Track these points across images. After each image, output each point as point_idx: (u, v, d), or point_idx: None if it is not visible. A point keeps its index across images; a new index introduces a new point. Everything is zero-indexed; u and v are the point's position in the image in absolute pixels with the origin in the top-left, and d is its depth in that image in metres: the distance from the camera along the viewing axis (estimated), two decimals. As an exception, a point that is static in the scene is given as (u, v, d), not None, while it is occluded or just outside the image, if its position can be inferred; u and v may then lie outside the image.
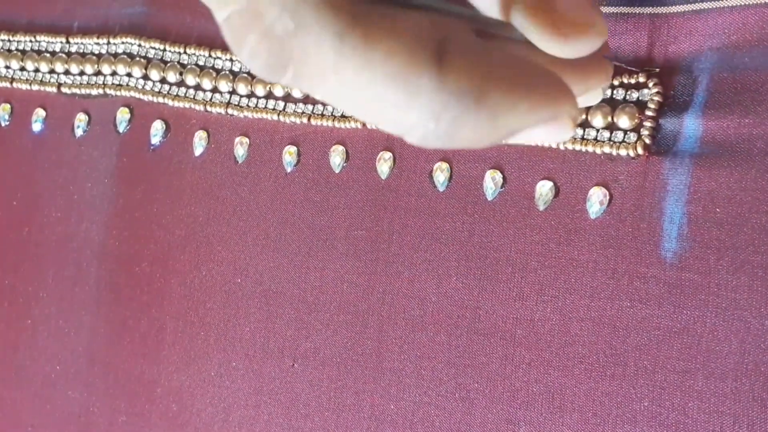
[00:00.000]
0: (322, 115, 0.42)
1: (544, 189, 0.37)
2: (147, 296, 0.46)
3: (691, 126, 0.34)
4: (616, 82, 0.35)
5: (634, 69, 0.35)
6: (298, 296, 0.42)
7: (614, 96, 0.36)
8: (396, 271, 0.40)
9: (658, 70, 0.35)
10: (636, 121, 0.35)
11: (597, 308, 0.35)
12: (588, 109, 0.36)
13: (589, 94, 0.32)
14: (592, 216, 0.36)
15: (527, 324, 0.37)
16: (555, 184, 0.37)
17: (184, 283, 0.45)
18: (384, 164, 0.40)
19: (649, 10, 0.35)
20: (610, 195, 0.35)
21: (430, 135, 0.25)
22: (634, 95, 0.35)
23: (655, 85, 0.35)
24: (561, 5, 0.27)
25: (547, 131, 0.28)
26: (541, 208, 0.37)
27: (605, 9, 0.36)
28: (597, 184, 0.36)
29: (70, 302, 0.49)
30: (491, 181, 0.38)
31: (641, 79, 0.35)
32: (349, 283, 0.41)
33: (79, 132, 0.49)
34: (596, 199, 0.36)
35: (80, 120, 0.49)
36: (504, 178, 0.38)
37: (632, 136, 0.35)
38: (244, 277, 0.43)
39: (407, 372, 0.39)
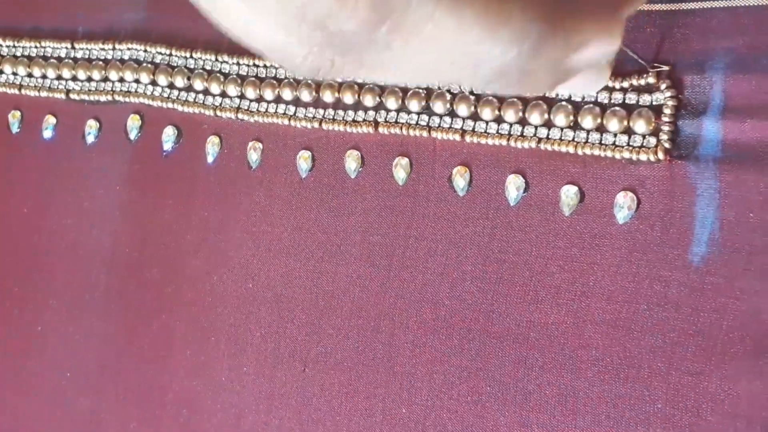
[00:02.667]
0: (333, 119, 0.42)
1: (569, 194, 0.37)
2: (157, 302, 0.46)
3: (711, 129, 0.34)
4: (626, 84, 0.35)
5: (644, 62, 0.35)
6: (310, 301, 0.42)
7: (627, 100, 0.36)
8: (410, 276, 0.40)
9: (668, 68, 0.35)
10: (653, 125, 0.35)
11: (612, 311, 0.36)
12: (602, 114, 0.36)
13: (599, 73, 0.33)
14: (620, 221, 0.36)
15: (541, 327, 0.37)
16: (580, 189, 0.37)
17: (195, 289, 0.45)
18: (401, 170, 0.40)
19: (660, 7, 0.35)
20: (638, 200, 0.35)
21: (508, 63, 0.26)
22: (648, 98, 0.35)
23: (668, 87, 0.35)
24: None
25: (586, 79, 0.31)
26: (567, 213, 0.37)
27: None
28: (623, 189, 0.36)
29: (80, 309, 0.49)
30: (513, 186, 0.38)
31: (651, 80, 0.35)
32: (361, 288, 0.41)
33: (90, 139, 0.49)
34: (624, 204, 0.36)
35: (91, 127, 0.49)
36: (526, 182, 0.38)
37: (651, 141, 0.35)
38: (255, 282, 0.43)
39: (419, 376, 0.39)
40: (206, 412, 0.44)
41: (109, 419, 0.47)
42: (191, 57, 0.46)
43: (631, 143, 0.35)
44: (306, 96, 0.42)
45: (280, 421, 0.42)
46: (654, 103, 0.35)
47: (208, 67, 0.45)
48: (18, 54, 0.51)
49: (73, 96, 0.49)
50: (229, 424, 0.44)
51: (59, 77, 0.50)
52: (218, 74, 0.45)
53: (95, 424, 0.48)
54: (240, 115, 0.44)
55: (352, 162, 0.41)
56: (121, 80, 0.48)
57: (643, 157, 0.35)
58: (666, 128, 0.35)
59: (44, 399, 0.50)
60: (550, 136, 0.37)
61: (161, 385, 0.46)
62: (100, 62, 0.49)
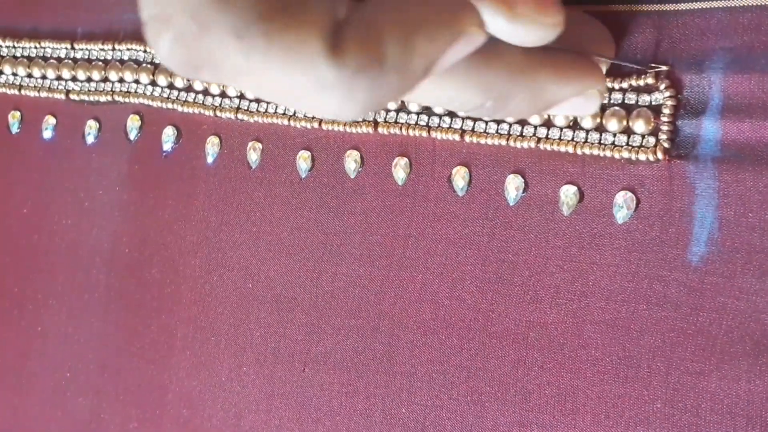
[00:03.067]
0: (333, 119, 0.42)
1: (568, 194, 0.37)
2: (157, 302, 0.46)
3: (709, 129, 0.34)
4: (625, 85, 0.35)
5: (641, 68, 0.35)
6: (309, 301, 0.42)
7: (626, 100, 0.36)
8: (409, 276, 0.40)
9: (666, 69, 0.35)
10: (652, 125, 0.35)
11: (611, 311, 0.36)
12: (602, 114, 0.36)
13: (587, 100, 0.33)
14: (620, 221, 0.36)
15: (540, 327, 0.37)
16: (579, 188, 0.37)
17: (195, 289, 0.45)
18: (400, 170, 0.40)
19: (658, 7, 0.35)
20: (637, 199, 0.35)
21: (351, 114, 0.27)
22: (647, 98, 0.35)
23: (667, 87, 0.35)
24: None
25: (575, 105, 0.32)
26: (566, 213, 0.37)
27: (612, 7, 0.36)
28: (623, 189, 0.36)
29: (80, 309, 0.49)
30: (513, 186, 0.38)
31: (650, 81, 0.35)
32: (361, 288, 0.41)
33: (90, 139, 0.49)
34: (624, 204, 0.36)
35: (91, 127, 0.49)
36: (525, 182, 0.38)
37: (650, 140, 0.35)
38: (255, 282, 0.43)
39: (418, 376, 0.39)
40: (206, 411, 0.44)
41: (109, 419, 0.47)
42: (191, 57, 0.46)
43: (630, 143, 0.35)
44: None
45: (279, 420, 0.42)
46: (653, 103, 0.35)
47: (207, 68, 0.45)
48: (18, 54, 0.51)
49: (72, 96, 0.49)
50: (228, 423, 0.44)
51: (59, 78, 0.50)
52: (218, 74, 0.45)
53: (95, 424, 0.48)
54: (239, 116, 0.44)
55: (351, 162, 0.42)
56: (121, 80, 0.48)
57: (642, 156, 0.35)
58: (665, 128, 0.35)
59: (44, 399, 0.50)
60: (549, 136, 0.37)
61: (161, 385, 0.46)
62: (100, 63, 0.49)
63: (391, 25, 0.26)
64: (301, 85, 0.26)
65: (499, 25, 0.29)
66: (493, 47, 0.29)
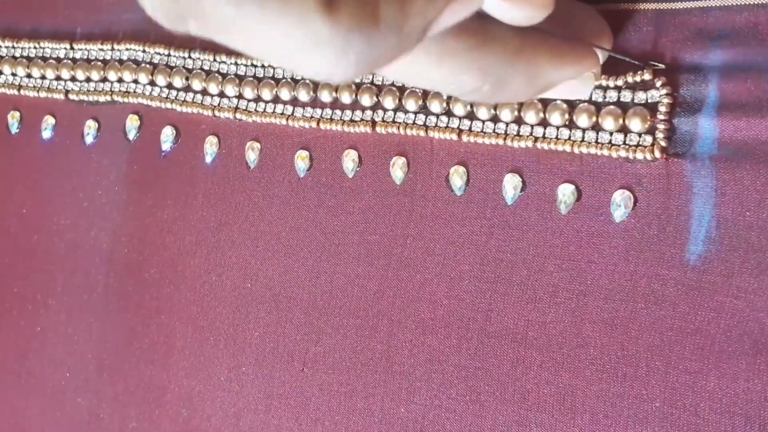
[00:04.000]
0: (331, 119, 0.42)
1: (566, 192, 0.37)
2: (156, 302, 0.46)
3: (706, 127, 0.34)
4: (620, 82, 0.35)
5: (638, 63, 0.35)
6: (308, 300, 0.42)
7: (621, 98, 0.36)
8: (408, 275, 0.40)
9: (664, 66, 0.35)
10: (648, 123, 0.35)
11: (610, 310, 0.36)
12: (597, 113, 0.36)
13: (582, 83, 0.33)
14: (617, 219, 0.36)
15: (539, 326, 0.37)
16: (577, 187, 0.37)
17: (194, 289, 0.45)
18: (398, 170, 0.40)
19: (654, 6, 0.35)
20: (635, 198, 0.35)
21: (344, 74, 0.26)
22: (643, 96, 0.35)
23: (663, 85, 0.35)
24: None
25: (571, 87, 0.32)
26: (564, 211, 0.37)
27: (610, 6, 0.36)
28: (620, 187, 0.36)
29: (79, 309, 0.49)
30: (510, 185, 0.38)
31: (646, 77, 0.35)
32: (359, 288, 0.41)
33: (89, 139, 0.49)
34: (621, 202, 0.36)
35: (90, 127, 0.49)
36: (523, 181, 0.38)
37: (647, 139, 0.35)
38: (254, 281, 0.43)
39: (417, 375, 0.39)
40: (205, 411, 0.44)
41: (108, 419, 0.48)
42: (189, 57, 0.46)
43: (627, 142, 0.35)
44: (304, 96, 0.43)
45: (279, 420, 0.42)
46: (649, 100, 0.35)
47: (206, 68, 0.45)
48: (17, 55, 0.51)
49: (72, 96, 0.49)
50: (228, 423, 0.44)
51: (58, 78, 0.50)
52: (216, 74, 0.45)
53: (95, 424, 0.48)
54: (238, 115, 0.44)
55: (349, 162, 0.42)
56: (120, 80, 0.48)
57: (639, 155, 0.35)
58: (662, 126, 0.35)
59: (43, 399, 0.50)
60: (546, 135, 0.37)
61: (160, 385, 0.46)
62: (99, 63, 0.49)
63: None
64: (293, 41, 0.25)
65: (491, 2, 0.28)
66: (490, 29, 0.29)
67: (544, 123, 0.37)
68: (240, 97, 0.44)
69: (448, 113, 0.39)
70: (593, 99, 0.36)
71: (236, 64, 0.44)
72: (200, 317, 0.45)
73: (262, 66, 0.44)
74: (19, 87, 0.51)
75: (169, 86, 0.46)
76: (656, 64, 0.35)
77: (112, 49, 0.48)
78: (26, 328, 0.51)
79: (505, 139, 0.38)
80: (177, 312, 0.46)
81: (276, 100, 0.43)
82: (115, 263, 0.48)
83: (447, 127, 0.39)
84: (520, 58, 0.30)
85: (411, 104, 0.40)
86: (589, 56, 0.33)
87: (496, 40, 0.30)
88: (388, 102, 0.40)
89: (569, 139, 0.36)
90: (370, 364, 0.40)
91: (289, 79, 0.43)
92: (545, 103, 0.37)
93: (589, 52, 0.33)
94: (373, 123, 0.41)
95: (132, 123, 0.48)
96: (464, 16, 0.27)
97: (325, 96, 0.42)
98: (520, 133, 0.37)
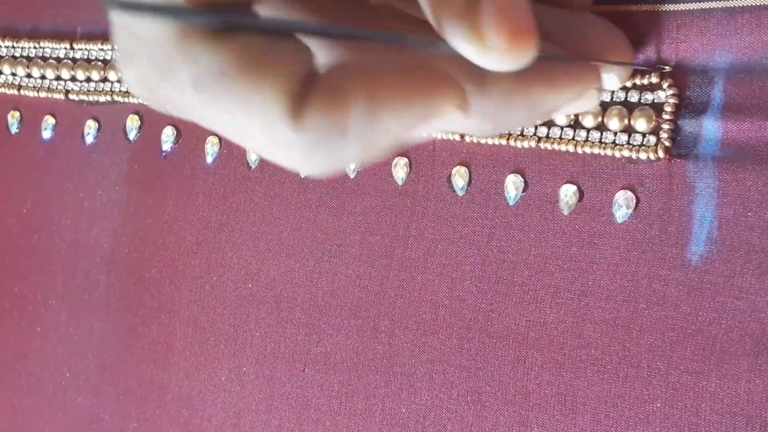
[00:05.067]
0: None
1: (568, 193, 0.37)
2: (157, 302, 0.46)
3: (710, 128, 0.34)
4: (629, 84, 0.35)
5: (646, 68, 0.35)
6: (309, 301, 0.42)
7: (629, 98, 0.36)
8: (409, 276, 0.40)
9: (669, 69, 0.35)
10: (653, 123, 0.35)
11: (611, 310, 0.36)
12: (603, 112, 0.36)
13: (587, 100, 0.33)
14: (619, 220, 0.36)
15: (540, 326, 0.37)
16: (579, 188, 0.37)
17: (195, 289, 0.45)
18: (400, 170, 0.40)
19: (659, 8, 0.35)
20: (637, 198, 0.35)
21: (311, 172, 0.26)
22: (649, 97, 0.35)
23: (670, 86, 0.35)
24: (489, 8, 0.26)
25: (575, 105, 0.31)
26: (566, 212, 0.37)
27: (614, 7, 0.36)
28: (622, 188, 0.36)
29: (79, 309, 0.49)
30: (512, 186, 0.38)
31: (654, 80, 0.35)
32: (361, 288, 0.41)
33: (89, 139, 0.49)
34: (623, 203, 0.36)
35: (90, 127, 0.49)
36: (525, 182, 0.38)
37: (651, 139, 0.35)
38: (255, 282, 0.43)
39: (418, 376, 0.39)
40: (206, 411, 0.44)
41: (108, 419, 0.47)
42: (190, 57, 0.46)
43: (631, 142, 0.35)
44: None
45: (279, 421, 0.42)
46: (655, 101, 0.35)
47: (207, 68, 0.45)
48: (17, 54, 0.51)
49: (72, 96, 0.49)
50: (228, 423, 0.44)
51: (58, 78, 0.50)
52: (217, 74, 0.45)
53: (95, 424, 0.48)
54: (239, 116, 0.44)
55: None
56: (120, 80, 0.48)
57: (642, 155, 0.35)
58: (666, 127, 0.35)
59: (44, 399, 0.50)
60: (550, 135, 0.37)
61: (161, 385, 0.46)
62: (99, 62, 0.49)
63: (359, 94, 0.25)
64: (260, 140, 0.25)
65: (469, 55, 0.27)
66: (481, 72, 0.28)
67: (547, 123, 0.37)
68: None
69: (451, 114, 0.39)
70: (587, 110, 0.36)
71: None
72: (201, 317, 0.45)
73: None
74: (19, 87, 0.51)
75: (170, 86, 0.46)
76: (663, 66, 0.35)
77: (113, 49, 0.48)
78: (26, 328, 0.51)
79: (508, 139, 0.38)
80: (178, 312, 0.46)
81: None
82: (116, 263, 0.48)
83: (449, 127, 0.39)
84: (516, 94, 0.29)
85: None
86: (588, 75, 0.32)
87: (488, 83, 0.28)
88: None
89: (573, 139, 0.36)
90: (371, 364, 0.40)
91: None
92: None
93: (587, 71, 0.32)
94: (375, 123, 0.41)
95: (132, 123, 0.48)
96: (441, 128, 0.27)
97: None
98: (524, 134, 0.37)
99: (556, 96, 0.31)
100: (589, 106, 0.34)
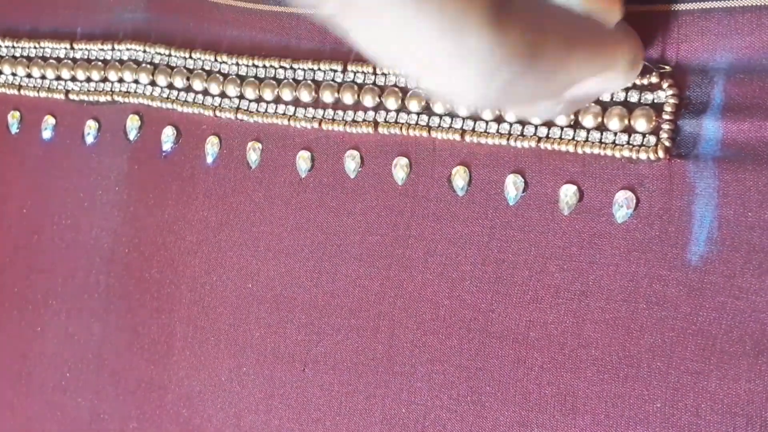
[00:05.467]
0: (333, 119, 0.42)
1: (568, 193, 0.37)
2: (157, 302, 0.46)
3: (710, 128, 0.34)
4: (629, 83, 0.35)
5: (647, 65, 0.35)
6: (309, 301, 0.42)
7: (629, 99, 0.36)
8: (409, 276, 0.40)
9: (669, 69, 0.35)
10: (653, 123, 0.35)
11: (612, 310, 0.36)
12: (603, 113, 0.36)
13: (624, 74, 0.32)
14: (619, 220, 0.36)
15: (540, 326, 0.37)
16: (579, 188, 0.37)
17: (195, 289, 0.45)
18: (400, 170, 0.40)
19: (659, 8, 0.35)
20: (637, 199, 0.35)
21: (478, 98, 0.24)
22: (649, 97, 0.35)
23: (670, 86, 0.35)
24: None
25: (605, 80, 0.29)
26: (566, 212, 0.37)
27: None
28: (623, 188, 0.36)
29: (79, 309, 0.49)
30: (512, 186, 0.38)
31: (654, 80, 0.35)
32: (361, 288, 0.41)
33: (89, 139, 0.49)
34: (623, 203, 0.36)
35: (90, 127, 0.49)
36: (525, 182, 0.38)
37: (651, 139, 0.35)
38: (255, 282, 0.43)
39: (418, 376, 0.39)
40: (206, 411, 0.44)
41: (108, 419, 0.47)
42: (190, 57, 0.46)
43: (631, 142, 0.35)
44: (305, 96, 0.42)
45: (279, 421, 0.42)
46: (655, 101, 0.35)
47: (207, 68, 0.45)
48: (17, 54, 0.51)
49: (72, 96, 0.49)
50: (228, 424, 0.44)
51: (58, 78, 0.50)
52: (217, 74, 0.45)
53: (95, 424, 0.48)
54: (239, 116, 0.44)
55: (351, 162, 0.41)
56: (120, 81, 0.48)
57: (642, 155, 0.35)
58: (666, 127, 0.35)
59: (44, 399, 0.50)
60: (550, 135, 0.37)
61: (161, 385, 0.46)
62: (99, 63, 0.49)
63: (560, 27, 0.24)
64: (442, 47, 0.22)
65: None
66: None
67: (548, 123, 0.37)
68: (241, 97, 0.44)
69: (451, 114, 0.39)
70: (600, 99, 0.36)
71: (237, 64, 0.44)
72: (201, 317, 0.45)
73: (264, 66, 0.44)
74: (19, 87, 0.51)
75: (170, 86, 0.46)
76: (664, 66, 0.35)
77: (113, 49, 0.48)
78: (26, 328, 0.51)
79: (508, 139, 0.37)
80: (178, 312, 0.46)
81: (278, 100, 0.43)
82: (116, 263, 0.48)
83: (450, 127, 0.39)
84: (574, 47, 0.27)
85: (414, 105, 0.40)
86: (618, 41, 0.30)
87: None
88: (391, 103, 0.40)
89: (573, 139, 0.36)
90: (371, 364, 0.40)
91: (290, 80, 0.43)
92: None
93: (617, 38, 0.30)
94: (376, 123, 0.41)
95: (133, 123, 0.48)
96: (600, 93, 0.27)
97: (327, 96, 0.42)
98: (524, 134, 0.37)
99: (570, 61, 0.28)
100: (620, 85, 0.33)
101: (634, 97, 0.35)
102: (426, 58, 0.23)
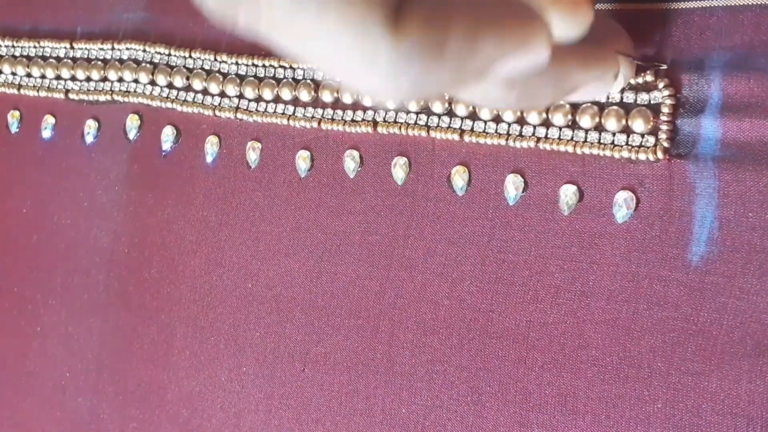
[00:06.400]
0: (333, 119, 0.42)
1: (568, 193, 0.37)
2: (157, 302, 0.46)
3: (709, 128, 0.34)
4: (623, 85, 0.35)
5: (642, 64, 0.35)
6: (309, 301, 0.42)
7: (625, 99, 0.35)
8: (409, 276, 0.40)
9: (665, 67, 0.35)
10: (651, 124, 0.35)
11: (612, 311, 0.35)
12: (600, 113, 0.36)
13: (605, 84, 0.32)
14: (619, 220, 0.36)
15: (541, 327, 0.37)
16: (579, 188, 0.36)
17: (194, 289, 0.45)
18: (399, 170, 0.40)
19: (657, 6, 0.35)
20: (637, 199, 0.35)
21: (393, 96, 0.24)
22: (645, 97, 0.35)
23: (666, 86, 0.35)
24: None
25: (591, 89, 0.30)
26: (566, 212, 0.37)
27: (613, 6, 0.36)
28: (623, 188, 0.36)
29: (79, 309, 0.49)
30: (512, 186, 0.38)
31: (649, 78, 0.35)
32: (360, 288, 0.41)
33: (89, 139, 0.49)
34: (623, 203, 0.35)
35: (90, 127, 0.49)
36: (525, 182, 0.38)
37: (650, 140, 0.35)
38: (255, 282, 0.43)
39: (419, 376, 0.39)
40: (205, 411, 0.44)
41: (108, 419, 0.47)
42: (190, 57, 0.46)
43: (629, 142, 0.35)
44: (305, 96, 0.42)
45: (279, 421, 0.42)
46: (652, 101, 0.35)
47: (206, 67, 0.45)
48: (17, 54, 0.51)
49: (72, 96, 0.49)
50: (228, 424, 0.44)
51: (58, 77, 0.50)
52: (217, 74, 0.45)
53: (95, 424, 0.48)
54: (239, 115, 0.44)
55: (350, 162, 0.41)
56: (120, 80, 0.48)
57: (642, 156, 0.35)
58: (664, 127, 0.35)
59: (43, 399, 0.50)
60: (548, 136, 0.37)
61: (160, 385, 0.46)
62: (99, 62, 0.49)
63: (462, 12, 0.24)
64: (348, 51, 0.23)
65: (565, 25, 0.28)
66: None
67: (546, 123, 0.37)
68: (241, 96, 0.44)
69: (450, 113, 0.39)
70: (596, 99, 0.36)
71: (237, 63, 0.44)
72: (201, 317, 0.45)
73: (263, 66, 0.44)
74: (19, 86, 0.51)
75: (170, 86, 0.46)
76: (659, 64, 0.35)
77: (113, 49, 0.48)
78: (26, 327, 0.51)
79: (507, 139, 0.37)
80: (177, 312, 0.46)
81: (277, 99, 0.43)
82: (116, 263, 0.48)
83: (449, 127, 0.39)
84: (552, 67, 0.28)
85: (413, 104, 0.40)
86: (610, 56, 0.32)
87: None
88: (390, 102, 0.40)
89: (572, 139, 0.36)
90: (371, 364, 0.40)
91: (290, 79, 0.43)
92: None
93: (609, 54, 0.32)
94: (375, 123, 0.41)
95: (132, 122, 0.48)
96: (523, 69, 0.26)
97: (327, 96, 0.42)
98: (523, 134, 0.37)
99: (583, 72, 0.30)
100: (603, 94, 0.34)
101: (629, 97, 0.35)
102: (337, 59, 0.24)
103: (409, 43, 0.23)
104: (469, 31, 0.24)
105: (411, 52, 0.23)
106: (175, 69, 0.46)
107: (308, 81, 0.42)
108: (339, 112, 0.42)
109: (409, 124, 0.40)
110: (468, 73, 0.25)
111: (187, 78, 0.46)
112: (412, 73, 0.24)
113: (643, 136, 0.35)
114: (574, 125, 0.36)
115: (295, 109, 0.43)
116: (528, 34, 0.26)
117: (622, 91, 0.35)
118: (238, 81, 0.44)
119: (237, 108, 0.44)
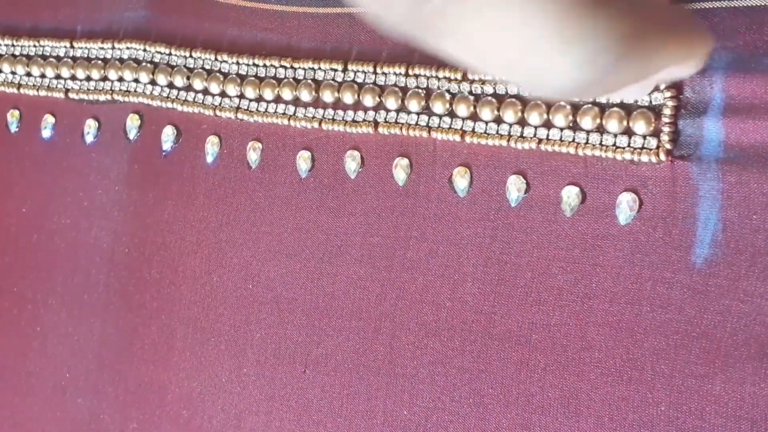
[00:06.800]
0: (333, 119, 0.42)
1: (570, 195, 0.36)
2: (157, 302, 0.46)
3: (712, 130, 0.34)
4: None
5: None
6: (310, 302, 0.42)
7: (625, 100, 0.35)
8: (410, 277, 0.40)
9: None
10: (653, 125, 0.35)
11: (615, 313, 0.35)
12: (602, 114, 0.36)
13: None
14: (622, 222, 0.35)
15: (543, 329, 0.37)
16: (581, 189, 0.36)
17: (195, 289, 0.45)
18: (401, 171, 0.40)
19: None
20: (640, 201, 0.35)
21: (579, 82, 0.23)
22: (646, 98, 0.35)
23: (667, 87, 0.34)
24: None
25: (677, 70, 0.29)
26: (568, 214, 0.36)
27: None
28: (626, 190, 0.35)
29: (79, 309, 0.49)
30: (514, 187, 0.38)
31: None
32: (362, 289, 0.41)
33: (89, 138, 0.49)
34: (626, 205, 0.35)
35: (90, 126, 0.49)
36: (527, 183, 0.37)
37: (652, 142, 0.35)
38: (255, 283, 0.43)
39: (420, 378, 0.39)
40: (206, 413, 0.44)
41: (108, 420, 0.47)
42: (190, 56, 0.46)
43: (631, 144, 0.35)
44: (306, 96, 0.42)
45: (280, 422, 0.42)
46: (653, 103, 0.35)
47: (207, 67, 0.45)
48: (16, 53, 0.51)
49: (72, 95, 0.49)
50: (229, 425, 0.44)
51: (58, 76, 0.50)
52: (218, 74, 0.45)
53: (94, 424, 0.48)
54: (239, 115, 0.44)
55: (351, 162, 0.41)
56: (121, 80, 0.48)
57: (644, 158, 0.35)
58: (666, 129, 0.34)
59: (43, 399, 0.50)
60: (550, 137, 0.37)
61: (161, 386, 0.46)
62: (99, 61, 0.49)
63: (655, 13, 0.24)
64: (549, 31, 0.22)
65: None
66: None
67: (547, 124, 0.37)
68: (241, 96, 0.44)
69: (451, 114, 0.39)
70: (597, 100, 0.36)
71: (237, 63, 0.44)
72: (201, 318, 0.45)
73: (264, 66, 0.43)
74: (19, 85, 0.51)
75: (170, 85, 0.46)
76: None
77: (113, 48, 0.48)
78: (26, 328, 0.51)
79: (508, 140, 0.37)
80: (178, 312, 0.46)
81: (278, 99, 0.43)
82: (116, 263, 0.48)
83: (450, 128, 0.39)
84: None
85: (414, 105, 0.39)
86: (702, 33, 0.30)
87: None
88: (391, 102, 0.40)
89: (573, 141, 0.36)
90: (372, 366, 0.40)
91: (291, 79, 0.43)
92: (549, 105, 0.37)
93: (701, 29, 0.30)
94: (376, 123, 0.40)
95: (132, 122, 0.48)
96: (669, 80, 0.28)
97: (328, 96, 0.42)
98: (524, 135, 0.37)
99: (663, 49, 0.28)
100: (645, 92, 0.34)
101: (630, 99, 0.35)
102: (527, 43, 0.22)
103: (613, 28, 0.22)
104: (661, 30, 0.24)
105: (613, 36, 0.22)
106: (175, 68, 0.46)
107: (309, 81, 0.42)
108: (340, 112, 0.42)
109: (410, 125, 0.40)
110: (646, 72, 0.25)
111: (188, 78, 0.46)
112: (606, 60, 0.23)
113: (645, 137, 0.35)
114: (575, 126, 0.36)
115: (296, 109, 0.43)
116: (694, 49, 0.27)
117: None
118: (238, 81, 0.44)
119: (238, 108, 0.44)
